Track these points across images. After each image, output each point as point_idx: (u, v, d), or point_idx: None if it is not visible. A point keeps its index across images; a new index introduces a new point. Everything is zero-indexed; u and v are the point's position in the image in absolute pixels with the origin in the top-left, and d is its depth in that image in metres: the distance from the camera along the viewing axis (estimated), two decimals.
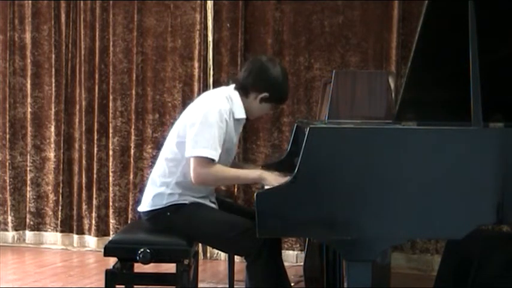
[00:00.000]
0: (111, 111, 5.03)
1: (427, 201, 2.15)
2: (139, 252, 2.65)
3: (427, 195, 2.16)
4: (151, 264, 2.70)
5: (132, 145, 4.99)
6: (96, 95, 5.06)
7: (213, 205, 2.93)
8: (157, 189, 2.84)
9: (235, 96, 2.86)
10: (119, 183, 5.01)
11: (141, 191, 2.95)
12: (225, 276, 3.80)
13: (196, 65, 4.88)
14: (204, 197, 2.88)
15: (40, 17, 5.19)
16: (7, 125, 5.23)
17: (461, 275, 2.65)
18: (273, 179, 2.62)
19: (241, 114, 2.86)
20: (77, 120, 5.15)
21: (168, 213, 2.80)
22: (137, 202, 3.02)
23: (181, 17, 4.92)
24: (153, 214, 2.84)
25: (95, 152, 5.06)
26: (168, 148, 2.87)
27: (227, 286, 3.66)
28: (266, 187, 2.53)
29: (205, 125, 2.71)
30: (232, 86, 2.92)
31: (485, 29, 2.21)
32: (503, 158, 2.17)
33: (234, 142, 2.92)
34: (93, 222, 5.06)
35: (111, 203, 5.03)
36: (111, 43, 5.03)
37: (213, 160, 2.68)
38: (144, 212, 2.90)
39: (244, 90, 2.87)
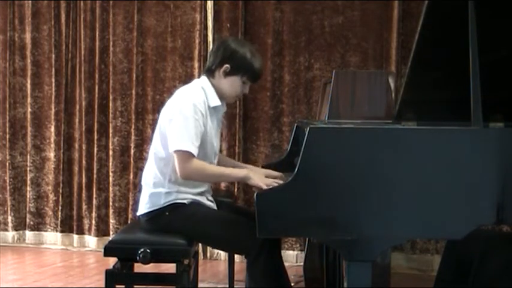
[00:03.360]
0: (111, 111, 5.04)
1: (427, 201, 2.15)
2: (139, 252, 2.65)
3: (427, 195, 2.16)
4: (151, 264, 2.70)
5: (132, 145, 4.99)
6: (96, 95, 5.06)
7: (210, 203, 2.93)
8: (153, 189, 2.84)
9: (206, 84, 2.86)
10: (119, 183, 5.01)
11: (141, 191, 2.95)
12: (225, 276, 3.80)
13: (196, 65, 4.88)
14: (201, 194, 2.88)
15: (40, 17, 5.19)
16: (7, 125, 5.23)
17: (461, 275, 2.65)
18: (258, 179, 2.63)
19: (215, 101, 2.86)
20: (77, 120, 5.15)
21: (167, 213, 2.80)
22: (137, 203, 3.01)
23: (181, 17, 4.92)
24: (152, 215, 2.83)
25: (95, 152, 5.06)
26: (155, 148, 2.87)
27: (227, 286, 3.66)
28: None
29: (181, 120, 2.72)
30: (203, 76, 2.92)
31: (485, 29, 2.21)
32: (503, 158, 2.17)
33: (215, 133, 2.90)
34: (93, 222, 5.06)
35: (111, 203, 5.03)
36: (111, 43, 5.03)
37: (192, 154, 2.68)
38: (142, 215, 2.89)
39: (210, 72, 2.88)
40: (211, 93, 2.85)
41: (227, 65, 2.82)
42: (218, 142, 3.01)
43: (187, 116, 2.72)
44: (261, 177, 2.68)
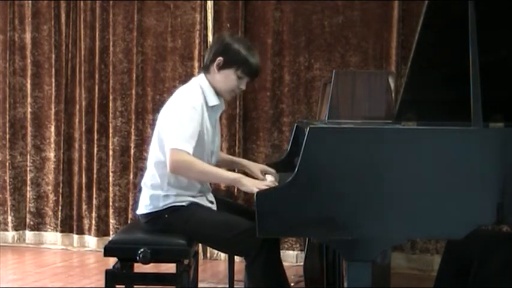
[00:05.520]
0: (111, 111, 5.04)
1: (427, 201, 2.15)
2: (139, 252, 2.65)
3: (427, 195, 2.15)
4: (151, 264, 2.70)
5: (132, 145, 4.99)
6: (96, 95, 5.06)
7: (210, 204, 2.92)
8: (152, 191, 2.83)
9: (203, 81, 2.86)
10: (119, 183, 5.01)
11: (141, 191, 2.95)
12: (225, 276, 3.79)
13: (196, 65, 4.88)
14: (201, 195, 2.87)
15: (40, 17, 5.19)
16: (7, 125, 5.23)
17: (461, 275, 2.65)
18: (251, 184, 2.58)
19: (214, 101, 2.85)
20: (77, 120, 5.15)
21: (166, 216, 2.80)
22: (137, 202, 3.01)
23: (181, 17, 4.92)
24: (151, 217, 2.83)
25: (95, 152, 5.06)
26: (153, 153, 2.86)
27: (227, 286, 3.66)
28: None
29: (176, 121, 2.71)
30: (201, 74, 2.92)
31: (485, 29, 2.21)
32: (503, 158, 2.16)
33: (212, 133, 2.88)
34: (93, 222, 5.06)
35: (111, 203, 5.03)
36: (111, 43, 5.03)
37: (186, 152, 2.66)
38: (141, 215, 2.89)
39: (206, 68, 2.88)
40: (209, 92, 2.84)
41: (220, 58, 2.81)
42: (218, 142, 3.00)
43: (183, 116, 2.71)
44: (253, 182, 2.63)
